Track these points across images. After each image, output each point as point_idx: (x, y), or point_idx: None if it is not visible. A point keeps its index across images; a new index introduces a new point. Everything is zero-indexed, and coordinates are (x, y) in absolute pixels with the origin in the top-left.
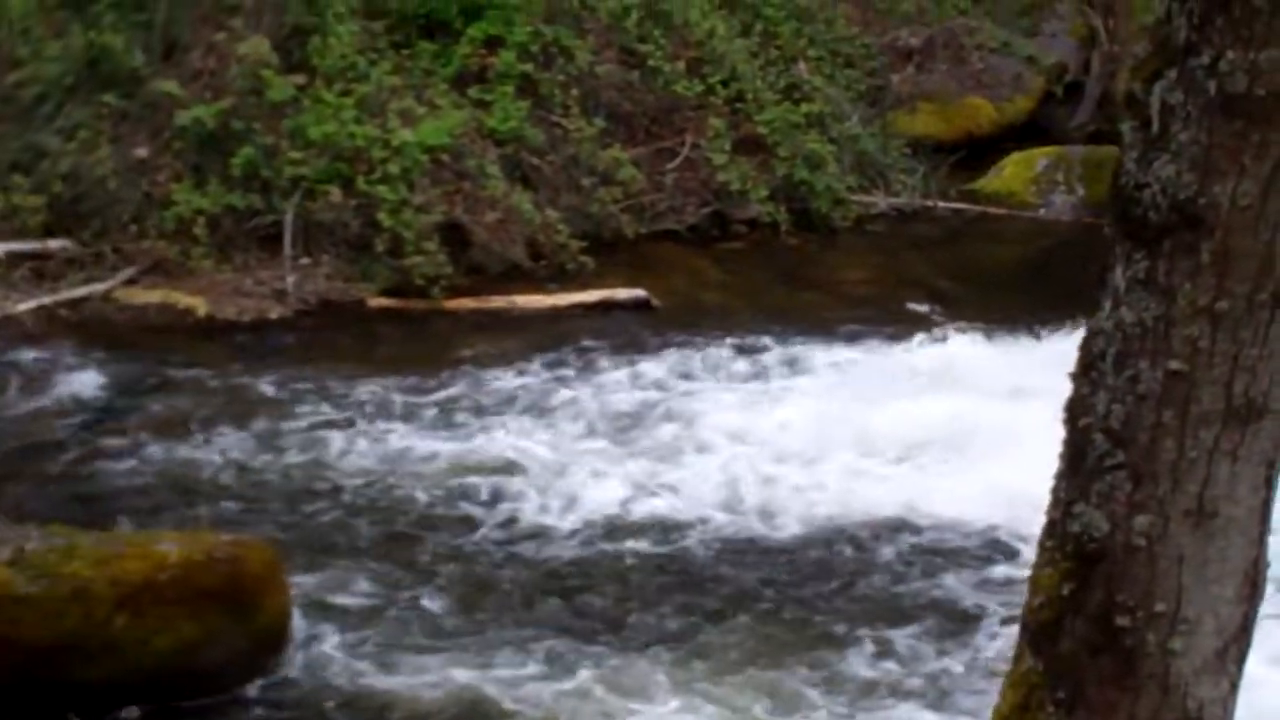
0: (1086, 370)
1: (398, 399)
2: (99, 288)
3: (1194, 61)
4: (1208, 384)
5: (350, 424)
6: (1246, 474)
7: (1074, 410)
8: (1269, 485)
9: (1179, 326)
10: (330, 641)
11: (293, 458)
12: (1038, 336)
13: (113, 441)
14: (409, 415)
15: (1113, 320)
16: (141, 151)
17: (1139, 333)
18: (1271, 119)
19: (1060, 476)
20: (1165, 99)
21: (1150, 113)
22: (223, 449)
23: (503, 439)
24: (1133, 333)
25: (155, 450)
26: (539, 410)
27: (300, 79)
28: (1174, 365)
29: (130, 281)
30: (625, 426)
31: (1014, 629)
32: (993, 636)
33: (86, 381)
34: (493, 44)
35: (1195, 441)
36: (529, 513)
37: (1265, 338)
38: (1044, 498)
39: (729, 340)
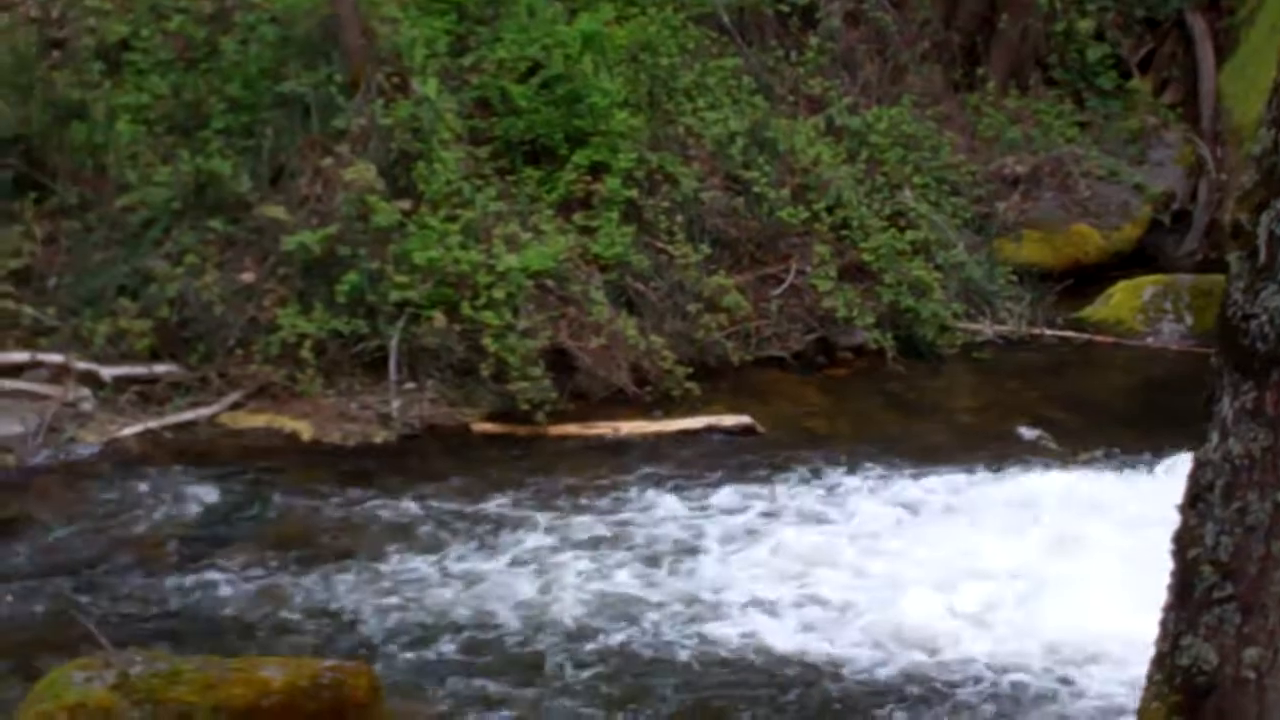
0: (1194, 502)
1: (501, 525)
2: (205, 412)
3: None
4: None
5: (453, 549)
6: None
7: (1182, 542)
8: None
9: None
10: None
11: (395, 582)
12: (1146, 467)
13: (217, 566)
14: (511, 541)
15: (1220, 451)
16: (248, 276)
17: (1247, 464)
18: None
19: (1168, 609)
20: (1272, 229)
21: (1257, 243)
22: (326, 573)
23: (605, 566)
24: (1241, 464)
25: (259, 574)
26: (641, 537)
27: (406, 204)
28: None
29: (236, 405)
30: (730, 554)
31: None
32: None
33: (192, 506)
34: (598, 170)
35: None
36: (625, 639)
37: None
38: (1151, 630)
39: (834, 467)
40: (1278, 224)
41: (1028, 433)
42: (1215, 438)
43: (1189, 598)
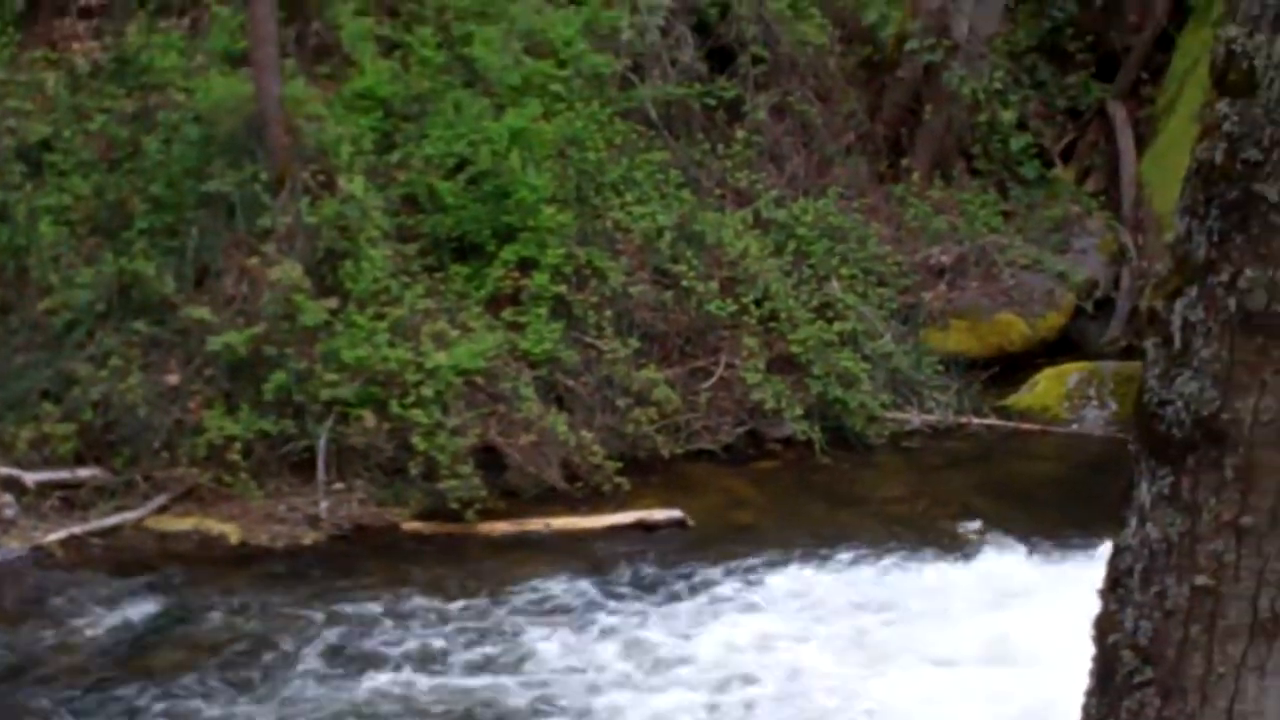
0: (1114, 587)
1: (429, 626)
2: (130, 516)
3: (1214, 279)
4: (1234, 599)
5: (382, 652)
6: (1275, 688)
7: (1102, 627)
8: None
9: (1204, 542)
10: None
11: (324, 687)
12: (1070, 553)
13: (141, 675)
14: (440, 643)
15: (1139, 536)
16: (173, 378)
17: (1165, 549)
18: None
19: (1090, 694)
20: (1186, 316)
21: (1172, 330)
22: (255, 678)
23: (535, 667)
24: (1159, 549)
25: (187, 681)
26: (572, 636)
27: (333, 303)
28: (1200, 580)
29: (162, 509)
30: (661, 654)
31: None
32: None
33: (117, 612)
34: (526, 266)
35: (1223, 656)
36: None
37: None
38: (1075, 714)
39: (764, 561)
40: (1192, 311)
41: (954, 522)
42: (1134, 523)
43: (1110, 683)
